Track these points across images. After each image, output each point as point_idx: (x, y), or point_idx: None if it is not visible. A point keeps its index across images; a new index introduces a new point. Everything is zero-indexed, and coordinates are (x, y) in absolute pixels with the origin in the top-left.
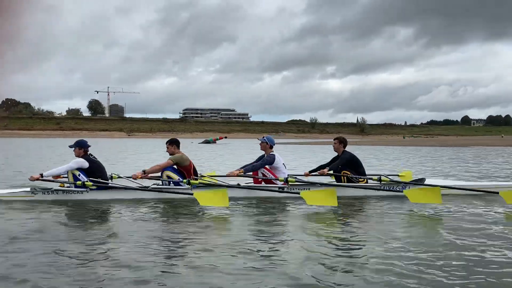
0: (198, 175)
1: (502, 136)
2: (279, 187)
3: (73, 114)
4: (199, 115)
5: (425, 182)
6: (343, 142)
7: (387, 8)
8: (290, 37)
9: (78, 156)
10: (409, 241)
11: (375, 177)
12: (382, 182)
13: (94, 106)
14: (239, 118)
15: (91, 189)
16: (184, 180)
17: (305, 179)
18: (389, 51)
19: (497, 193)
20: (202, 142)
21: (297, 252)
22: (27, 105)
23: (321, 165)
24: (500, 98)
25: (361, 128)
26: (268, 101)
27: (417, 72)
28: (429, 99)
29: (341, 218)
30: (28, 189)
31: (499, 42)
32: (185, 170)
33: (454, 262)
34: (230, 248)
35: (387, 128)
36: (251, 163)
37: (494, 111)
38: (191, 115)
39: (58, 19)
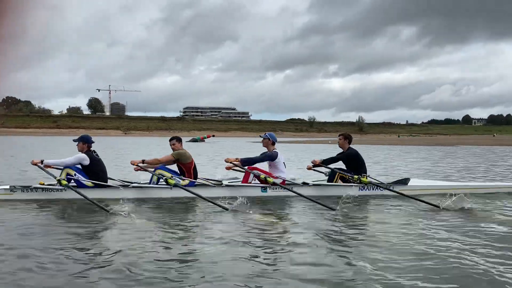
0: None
1: (494, 135)
2: (262, 187)
3: (73, 112)
4: (200, 114)
5: (410, 183)
6: (348, 138)
7: (390, 7)
8: (293, 36)
9: (81, 151)
10: (391, 242)
11: (356, 176)
12: (362, 182)
13: (94, 104)
14: (239, 116)
15: (69, 188)
16: (167, 175)
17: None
18: (392, 50)
19: (438, 207)
20: (189, 141)
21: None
22: (27, 103)
23: (325, 159)
24: (504, 98)
25: (359, 127)
26: (270, 100)
27: (420, 71)
28: (432, 98)
29: (316, 217)
30: (7, 186)
31: (503, 42)
32: (185, 167)
33: (429, 262)
34: (213, 248)
35: (386, 127)
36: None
37: (497, 111)
38: (192, 113)
39: (62, 17)
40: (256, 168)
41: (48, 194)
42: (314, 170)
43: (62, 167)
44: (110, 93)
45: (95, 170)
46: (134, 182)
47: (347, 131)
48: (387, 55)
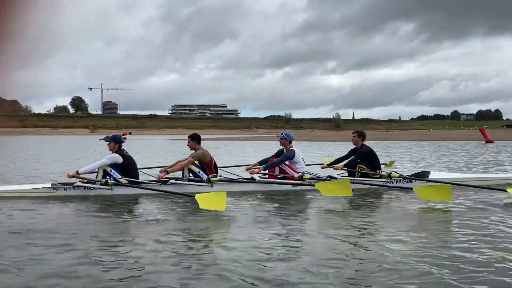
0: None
1: (430, 130)
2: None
3: (59, 111)
4: (188, 111)
5: (430, 176)
6: (361, 135)
7: (388, 3)
8: (292, 33)
9: (112, 150)
10: (419, 236)
11: (385, 173)
12: (392, 177)
13: (77, 103)
14: (228, 114)
15: (115, 186)
16: (205, 178)
17: (321, 173)
18: (391, 47)
19: (505, 190)
20: (103, 139)
21: (309, 247)
22: (14, 103)
23: (338, 158)
24: (502, 93)
25: (336, 124)
26: (269, 97)
27: (419, 67)
28: (430, 94)
29: (351, 213)
30: (49, 184)
31: (501, 36)
32: (206, 165)
33: (459, 259)
34: (246, 242)
35: (363, 124)
36: (269, 158)
37: (495, 106)
38: (180, 111)
39: (61, 15)
40: (272, 171)
41: (90, 191)
42: (329, 167)
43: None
44: (102, 91)
45: (128, 167)
46: (171, 179)
47: (323, 128)
48: (386, 52)
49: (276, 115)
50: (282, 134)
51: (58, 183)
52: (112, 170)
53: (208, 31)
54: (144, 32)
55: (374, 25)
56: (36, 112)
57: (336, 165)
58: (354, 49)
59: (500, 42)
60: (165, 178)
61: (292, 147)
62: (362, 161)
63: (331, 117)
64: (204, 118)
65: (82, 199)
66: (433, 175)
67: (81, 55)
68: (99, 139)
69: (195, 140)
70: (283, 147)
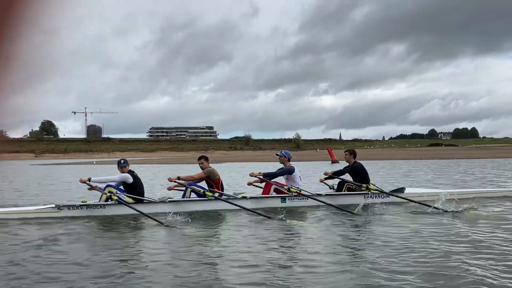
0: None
1: (317, 151)
2: (281, 198)
3: (34, 136)
4: (165, 134)
5: (405, 191)
6: (352, 153)
7: (379, 25)
8: (284, 55)
9: (124, 172)
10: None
11: (364, 185)
12: (371, 191)
13: (47, 127)
14: (207, 136)
15: (117, 203)
16: (202, 191)
17: (305, 192)
18: (382, 67)
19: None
20: None
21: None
22: None
23: (335, 172)
24: (491, 111)
25: (296, 144)
26: (263, 118)
27: (410, 87)
28: (421, 113)
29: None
30: (54, 205)
31: (490, 56)
32: (214, 183)
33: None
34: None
35: (324, 143)
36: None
37: (485, 124)
38: (157, 133)
39: (56, 41)
40: (276, 182)
41: (93, 211)
42: (324, 183)
43: (104, 186)
44: (86, 115)
45: (136, 187)
46: (168, 197)
47: (283, 148)
48: (377, 72)
49: (241, 136)
50: (281, 152)
51: (62, 204)
52: (118, 192)
53: (202, 55)
54: (138, 56)
55: (366, 46)
56: (11, 137)
57: (326, 171)
58: (346, 70)
59: (489, 62)
60: (174, 184)
61: (291, 164)
62: (353, 176)
63: (291, 137)
64: (161, 140)
65: (85, 218)
66: (408, 191)
67: (75, 79)
68: None
69: (207, 160)
70: (282, 165)
